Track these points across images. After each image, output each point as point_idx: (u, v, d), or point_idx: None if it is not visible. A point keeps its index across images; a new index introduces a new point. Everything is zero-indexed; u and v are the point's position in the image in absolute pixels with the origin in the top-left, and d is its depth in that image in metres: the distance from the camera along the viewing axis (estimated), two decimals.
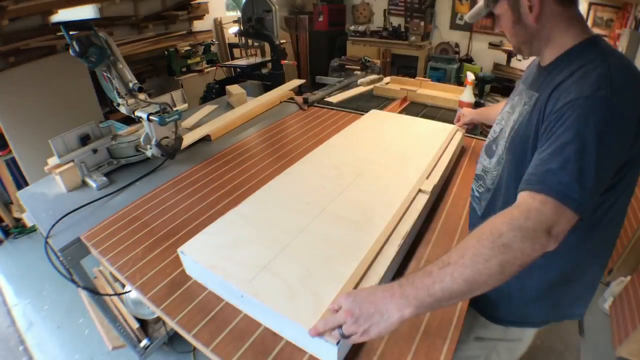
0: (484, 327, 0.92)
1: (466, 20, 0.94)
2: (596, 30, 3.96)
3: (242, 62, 3.29)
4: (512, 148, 0.77)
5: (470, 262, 0.56)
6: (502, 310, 0.86)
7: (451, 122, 1.58)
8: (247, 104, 2.08)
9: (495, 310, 0.87)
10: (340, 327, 0.59)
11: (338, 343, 0.62)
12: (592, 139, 0.57)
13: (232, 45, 4.17)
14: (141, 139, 1.37)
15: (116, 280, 1.72)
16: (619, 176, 0.65)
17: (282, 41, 3.03)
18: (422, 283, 0.58)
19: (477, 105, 1.81)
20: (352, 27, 5.14)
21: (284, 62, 3.03)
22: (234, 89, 2.22)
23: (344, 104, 2.14)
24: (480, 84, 2.45)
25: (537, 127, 0.68)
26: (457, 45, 4.81)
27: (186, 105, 1.72)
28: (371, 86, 2.40)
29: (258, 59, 3.31)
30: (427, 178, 1.16)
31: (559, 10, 0.69)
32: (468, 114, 1.46)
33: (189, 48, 3.79)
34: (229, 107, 2.14)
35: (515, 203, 0.61)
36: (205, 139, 1.68)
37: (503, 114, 0.89)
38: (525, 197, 0.60)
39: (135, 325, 1.54)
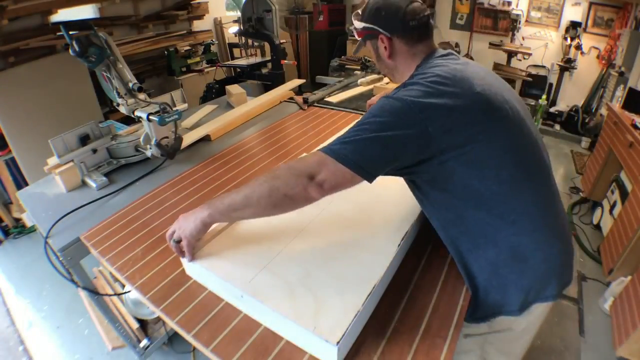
0: (467, 326, 0.92)
1: (353, 54, 1.18)
2: (596, 30, 3.98)
3: (242, 62, 3.29)
4: None
5: (251, 185, 0.75)
6: (471, 310, 0.85)
7: None
8: (247, 104, 2.08)
9: (469, 311, 0.85)
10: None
11: (338, 343, 0.62)
12: (363, 121, 0.74)
13: (232, 45, 4.17)
14: (141, 139, 1.37)
15: (116, 280, 1.72)
16: (431, 154, 0.73)
17: (282, 41, 3.02)
18: (220, 198, 0.78)
19: None
20: (352, 27, 5.14)
21: (284, 62, 3.03)
22: (234, 89, 2.22)
23: (344, 104, 2.14)
24: None
25: None
26: (457, 45, 4.81)
27: (186, 105, 1.72)
28: (371, 86, 2.40)
29: (258, 59, 3.31)
30: None
31: (405, 48, 0.88)
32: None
33: (188, 48, 3.79)
34: (229, 107, 2.14)
35: None
36: (205, 139, 1.68)
37: None
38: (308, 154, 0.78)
39: (135, 325, 1.54)
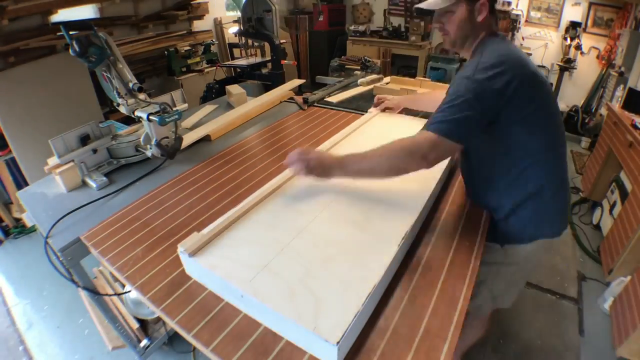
0: (487, 253, 1.09)
1: (417, 7, 1.12)
2: (596, 30, 3.98)
3: (242, 62, 3.29)
4: None
5: (376, 159, 0.98)
6: (492, 233, 1.09)
7: None
8: (247, 104, 2.08)
9: (491, 233, 1.08)
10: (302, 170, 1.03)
11: (338, 343, 0.62)
12: (456, 96, 0.92)
13: (232, 45, 4.16)
14: (141, 139, 1.37)
15: (116, 280, 1.72)
16: (496, 117, 0.93)
17: (282, 41, 3.02)
18: (351, 163, 1.02)
19: None
20: (352, 27, 5.14)
21: (284, 62, 3.02)
22: (234, 89, 2.22)
23: (344, 104, 2.14)
24: None
25: None
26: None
27: (186, 105, 1.72)
28: (371, 86, 2.40)
29: (258, 59, 3.31)
30: (427, 178, 1.16)
31: (488, 20, 1.01)
32: (393, 99, 1.71)
33: (189, 48, 3.79)
34: (229, 107, 2.14)
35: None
36: (205, 139, 1.68)
37: None
38: (419, 133, 0.97)
39: (135, 325, 1.54)
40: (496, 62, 0.91)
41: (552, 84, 4.31)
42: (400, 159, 0.96)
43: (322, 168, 1.02)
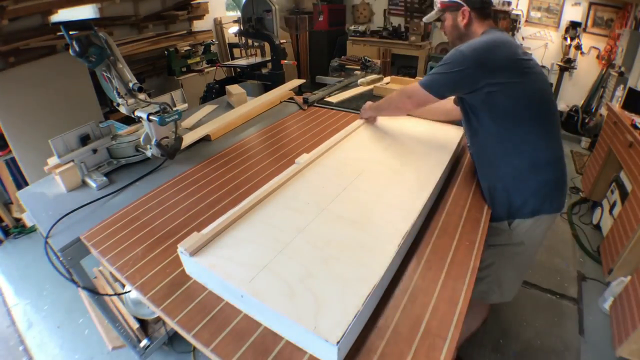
0: (493, 235, 1.23)
1: (423, 21, 1.48)
2: (596, 30, 3.97)
3: (242, 62, 3.28)
4: None
5: (389, 99, 1.43)
6: (495, 209, 1.19)
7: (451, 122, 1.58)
8: (247, 104, 2.08)
9: (492, 210, 1.19)
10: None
11: (338, 343, 0.62)
12: (443, 62, 1.14)
13: (232, 45, 4.16)
14: (141, 139, 1.37)
15: (116, 280, 1.72)
16: (476, 85, 1.10)
17: (282, 41, 3.02)
18: (379, 103, 1.51)
19: None
20: (352, 27, 5.14)
21: (284, 62, 3.02)
22: (234, 89, 2.22)
23: (344, 104, 2.14)
24: None
25: None
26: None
27: (186, 105, 1.72)
28: (371, 86, 2.40)
29: (258, 59, 3.31)
30: (427, 178, 1.16)
31: (477, 21, 1.24)
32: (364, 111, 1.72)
33: (189, 48, 3.79)
34: (229, 107, 2.14)
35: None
36: (205, 138, 1.68)
37: None
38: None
39: (135, 325, 1.54)
40: (483, 40, 1.12)
41: (552, 84, 4.31)
42: (398, 98, 1.34)
43: (371, 110, 1.56)
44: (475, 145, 1.25)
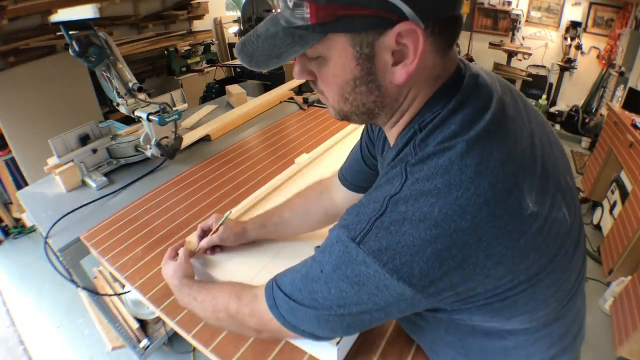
0: None
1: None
2: (596, 30, 3.97)
3: None
4: None
5: (210, 307, 0.63)
6: None
7: None
8: (247, 104, 2.08)
9: None
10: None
11: (338, 343, 0.62)
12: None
13: (232, 45, 4.17)
14: (141, 139, 1.37)
15: (116, 280, 1.71)
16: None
17: None
18: (186, 293, 0.68)
19: None
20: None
21: None
22: (234, 88, 2.22)
23: None
24: None
25: None
26: (457, 45, 4.81)
27: (186, 105, 1.72)
28: None
29: None
30: None
31: (431, 61, 0.43)
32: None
33: (188, 48, 3.79)
34: (229, 107, 2.14)
35: None
36: (205, 138, 1.68)
37: None
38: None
39: (135, 325, 1.54)
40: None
41: (552, 84, 4.32)
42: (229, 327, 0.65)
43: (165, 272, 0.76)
44: (423, 344, 0.67)
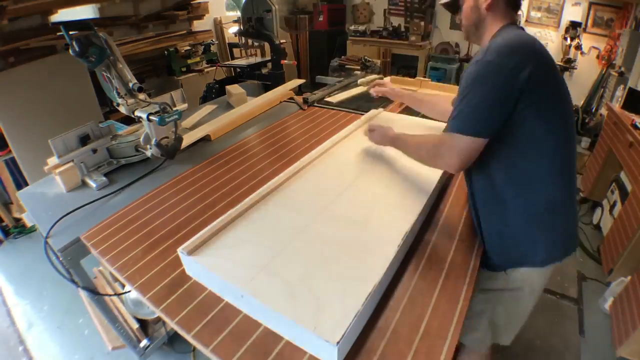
0: (488, 279, 1.07)
1: (440, 3, 1.12)
2: (596, 30, 3.97)
3: (242, 62, 3.28)
4: None
5: (414, 148, 1.06)
6: (498, 257, 1.01)
7: None
8: (247, 104, 2.08)
9: (492, 259, 1.02)
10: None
11: (338, 343, 0.62)
12: (467, 84, 0.86)
13: (232, 45, 4.17)
14: (141, 139, 1.37)
15: (116, 280, 1.71)
16: (514, 104, 0.82)
17: (282, 41, 3.02)
18: (402, 141, 1.13)
19: None
20: (352, 27, 5.14)
21: (284, 62, 3.02)
22: (234, 89, 2.22)
23: (344, 104, 2.14)
24: None
25: None
26: (457, 45, 4.81)
27: (186, 105, 1.72)
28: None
29: (258, 59, 3.30)
30: (427, 178, 1.16)
31: (502, 9, 0.94)
32: (394, 89, 1.60)
33: (188, 48, 3.79)
34: (229, 107, 2.14)
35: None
36: (205, 138, 1.68)
37: None
38: (442, 132, 0.93)
39: (135, 325, 1.54)
40: (508, 43, 0.83)
41: None
42: (427, 157, 0.99)
43: (383, 139, 1.23)
44: (480, 181, 0.98)
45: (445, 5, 1.07)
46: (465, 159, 0.88)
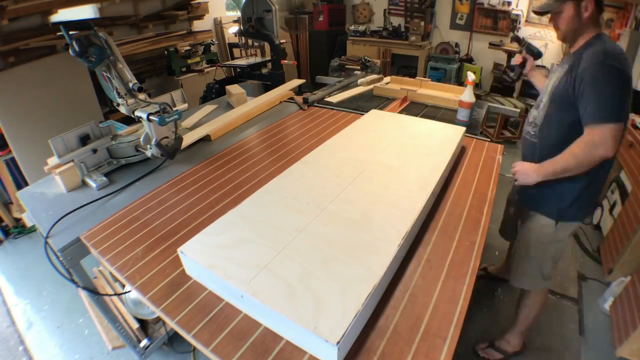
0: (538, 226, 1.37)
1: (534, 10, 1.32)
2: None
3: (242, 62, 3.28)
4: (554, 98, 1.24)
5: (566, 160, 1.17)
6: (556, 208, 1.31)
7: (451, 121, 1.57)
8: (247, 104, 2.08)
9: (552, 207, 1.32)
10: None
11: (338, 343, 0.62)
12: (597, 82, 1.07)
13: (232, 45, 4.16)
14: (141, 139, 1.37)
15: (116, 280, 1.72)
16: None
17: (282, 41, 3.02)
18: (552, 165, 1.21)
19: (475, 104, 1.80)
20: (352, 27, 5.14)
21: (284, 62, 3.02)
22: (234, 89, 2.22)
23: (344, 104, 2.14)
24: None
25: (572, 83, 1.14)
26: (457, 45, 4.81)
27: (186, 105, 1.72)
28: (371, 86, 2.40)
29: (258, 59, 3.31)
30: (426, 178, 1.16)
31: (595, 17, 1.16)
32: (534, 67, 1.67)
33: (188, 48, 3.79)
34: (229, 107, 2.14)
35: (582, 136, 1.14)
36: (205, 138, 1.68)
37: (545, 84, 1.37)
38: (589, 130, 1.11)
39: (135, 325, 1.54)
40: (620, 52, 1.09)
41: None
42: (584, 156, 1.13)
43: (528, 177, 1.30)
44: (551, 138, 1.26)
45: (538, 13, 1.26)
46: (618, 142, 1.09)
